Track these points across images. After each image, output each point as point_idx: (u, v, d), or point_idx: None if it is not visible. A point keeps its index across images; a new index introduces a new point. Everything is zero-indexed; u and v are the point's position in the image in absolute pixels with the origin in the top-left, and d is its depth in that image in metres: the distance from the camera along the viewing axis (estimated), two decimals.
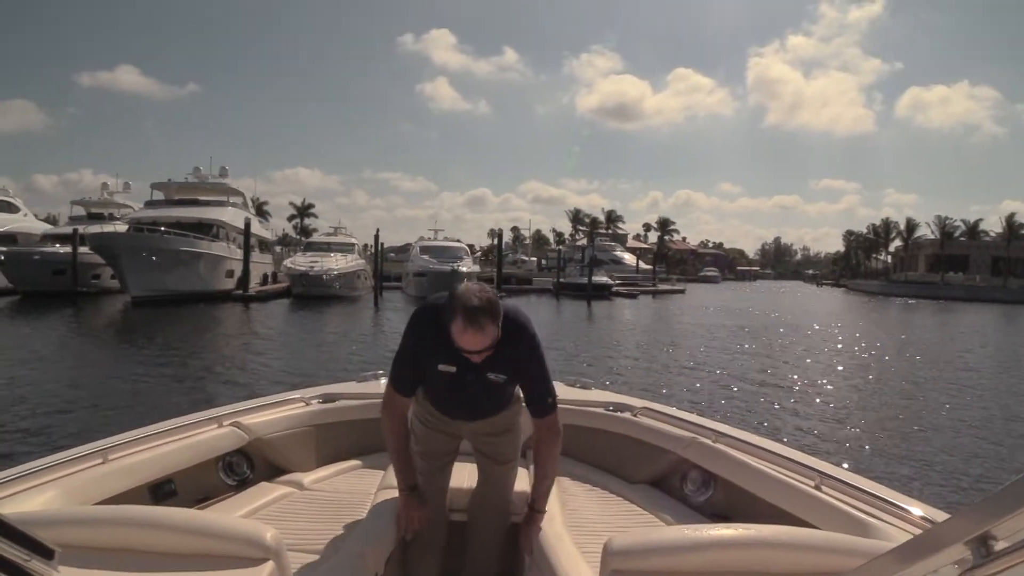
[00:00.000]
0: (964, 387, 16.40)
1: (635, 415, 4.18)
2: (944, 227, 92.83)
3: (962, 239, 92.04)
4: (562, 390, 4.34)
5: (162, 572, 1.81)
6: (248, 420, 3.77)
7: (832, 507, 2.78)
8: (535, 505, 3.08)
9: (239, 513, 3.20)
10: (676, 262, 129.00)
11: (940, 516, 2.53)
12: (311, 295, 38.68)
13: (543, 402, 2.98)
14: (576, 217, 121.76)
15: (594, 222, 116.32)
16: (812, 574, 1.90)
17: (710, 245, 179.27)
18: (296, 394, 4.34)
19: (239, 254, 38.37)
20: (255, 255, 42.31)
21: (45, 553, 1.53)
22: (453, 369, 2.84)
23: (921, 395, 15.12)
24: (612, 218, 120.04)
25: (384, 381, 4.66)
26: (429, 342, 2.83)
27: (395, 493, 3.30)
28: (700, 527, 2.01)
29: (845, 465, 3.04)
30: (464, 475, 3.47)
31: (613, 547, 1.90)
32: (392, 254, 69.05)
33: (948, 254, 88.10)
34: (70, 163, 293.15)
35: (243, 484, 3.66)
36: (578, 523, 3.36)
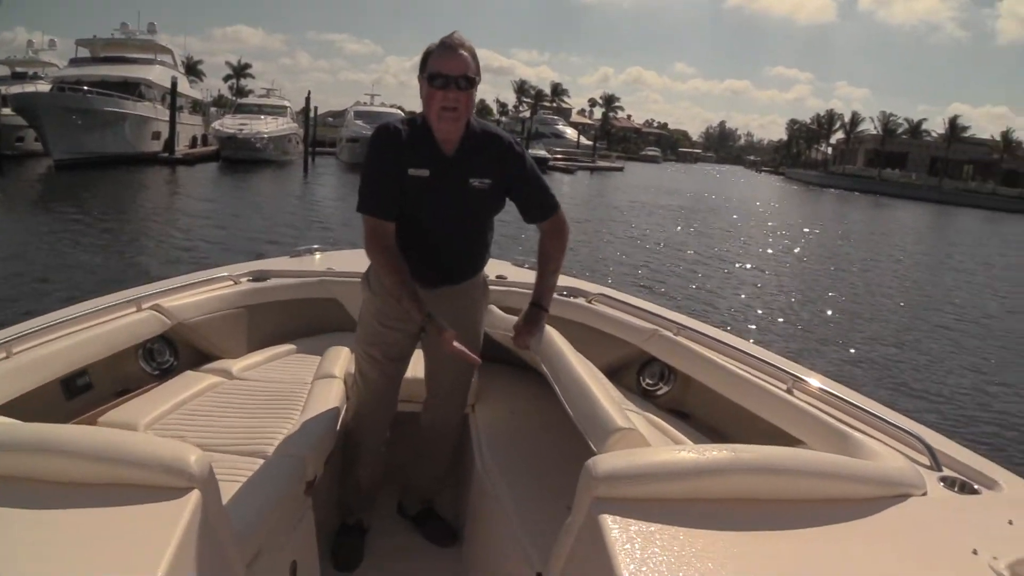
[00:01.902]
0: (875, 281, 17.38)
1: (590, 301, 3.85)
2: (887, 123, 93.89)
3: (904, 137, 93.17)
4: (511, 271, 4.25)
5: (56, 508, 1.47)
6: (170, 302, 3.41)
7: (805, 413, 2.54)
8: (540, 302, 2.79)
9: (162, 408, 2.93)
10: (619, 140, 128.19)
11: (924, 432, 2.34)
12: (240, 159, 37.64)
13: (546, 201, 2.75)
14: (521, 88, 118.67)
15: (539, 94, 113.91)
16: (821, 499, 1.69)
17: (655, 125, 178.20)
18: (223, 272, 3.95)
19: (166, 115, 36.93)
20: (184, 117, 40.83)
21: None
22: (426, 173, 2.54)
23: (843, 286, 16.17)
24: (557, 91, 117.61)
25: (319, 256, 4.62)
26: (395, 147, 2.55)
27: (334, 383, 3.21)
28: (695, 448, 1.73)
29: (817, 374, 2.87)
30: (415, 361, 3.04)
31: (599, 471, 1.57)
32: (331, 119, 67.31)
33: (888, 150, 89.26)
34: (3, 20, 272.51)
35: (166, 373, 3.37)
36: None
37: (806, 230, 29.23)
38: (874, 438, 2.26)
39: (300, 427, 2.74)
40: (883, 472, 1.81)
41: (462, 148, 2.58)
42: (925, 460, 2.14)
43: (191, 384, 3.23)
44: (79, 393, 2.92)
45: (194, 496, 1.53)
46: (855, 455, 2.02)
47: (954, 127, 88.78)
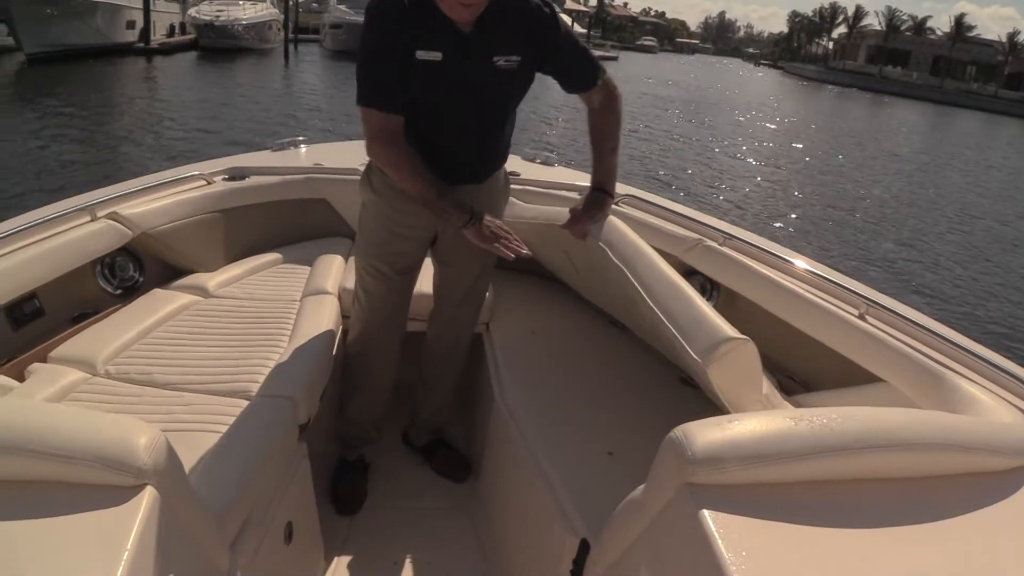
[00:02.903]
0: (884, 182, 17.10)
1: (617, 203, 3.27)
2: (892, 19, 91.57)
3: (908, 34, 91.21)
4: (519, 165, 3.76)
5: None
6: (131, 209, 2.89)
7: (885, 345, 2.16)
8: (604, 186, 2.42)
9: (126, 336, 2.52)
10: (615, 28, 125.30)
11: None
12: (218, 47, 36.11)
13: (590, 67, 2.32)
14: None
15: None
16: (963, 473, 1.43)
17: (652, 14, 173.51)
18: (193, 170, 3.42)
19: (140, 3, 35.10)
20: (160, 4, 38.53)
21: None
22: (439, 56, 2.08)
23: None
24: None
25: (304, 149, 4.05)
26: (398, 24, 2.05)
27: (327, 300, 2.85)
28: (806, 413, 1.37)
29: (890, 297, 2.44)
30: (423, 275, 2.70)
31: (696, 450, 1.23)
32: (316, 4, 64.81)
33: (890, 47, 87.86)
34: None
35: (131, 292, 2.91)
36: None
37: (804, 138, 28.70)
38: (964, 376, 1.96)
39: (290, 357, 2.37)
40: (1018, 436, 1.53)
41: (482, 21, 2.09)
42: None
43: (160, 305, 2.79)
44: (27, 322, 2.48)
45: (147, 494, 1.21)
46: (952, 400, 1.79)
47: (959, 26, 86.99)
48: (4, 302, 2.34)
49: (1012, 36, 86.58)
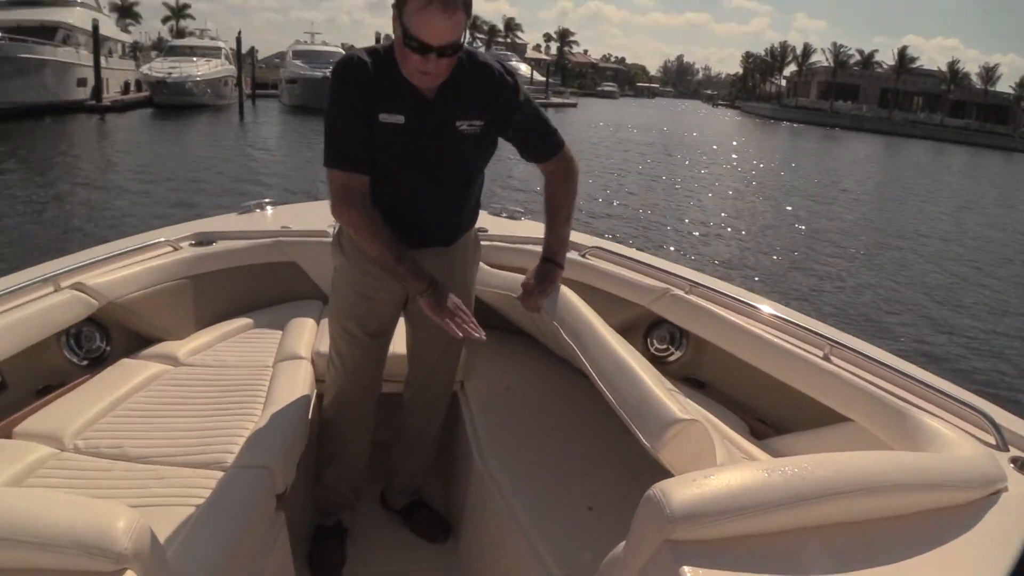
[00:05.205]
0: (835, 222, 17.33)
1: (584, 255, 3.36)
2: (839, 55, 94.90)
3: (856, 68, 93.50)
4: (492, 223, 3.78)
5: None
6: (96, 278, 2.82)
7: (849, 384, 2.20)
8: (555, 257, 2.38)
9: (94, 408, 2.45)
10: (576, 76, 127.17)
11: (987, 406, 2.07)
12: (173, 104, 36.29)
13: (549, 138, 2.35)
14: (474, 24, 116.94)
15: (492, 30, 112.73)
16: (926, 510, 1.46)
17: (613, 60, 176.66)
18: (159, 236, 3.37)
19: (91, 60, 35.30)
20: (114, 62, 39.12)
21: None
22: (400, 119, 2.12)
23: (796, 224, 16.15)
24: (511, 26, 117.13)
25: (271, 211, 4.00)
26: (361, 88, 2.10)
27: (301, 365, 2.83)
28: (778, 463, 1.42)
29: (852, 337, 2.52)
30: (398, 336, 2.67)
31: (674, 508, 1.24)
32: (277, 60, 65.53)
33: (840, 82, 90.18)
34: None
35: (98, 362, 2.85)
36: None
37: (763, 166, 29.20)
38: (926, 410, 2.00)
39: (265, 424, 2.33)
40: (979, 470, 1.57)
41: (445, 86, 2.12)
42: (991, 439, 1.91)
43: (129, 375, 2.72)
44: None
45: None
46: (916, 436, 1.82)
47: (903, 58, 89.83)
48: None
49: (952, 65, 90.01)
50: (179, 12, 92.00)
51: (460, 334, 2.06)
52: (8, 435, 2.33)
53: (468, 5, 1.99)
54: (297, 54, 43.82)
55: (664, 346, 3.16)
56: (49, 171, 18.31)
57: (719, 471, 1.36)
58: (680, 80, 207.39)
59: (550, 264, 2.37)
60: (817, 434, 2.32)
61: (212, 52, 42.71)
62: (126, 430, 2.36)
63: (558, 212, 2.40)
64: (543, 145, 2.36)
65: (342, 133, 2.13)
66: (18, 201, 13.91)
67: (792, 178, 25.22)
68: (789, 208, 18.89)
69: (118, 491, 2.01)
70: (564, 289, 2.36)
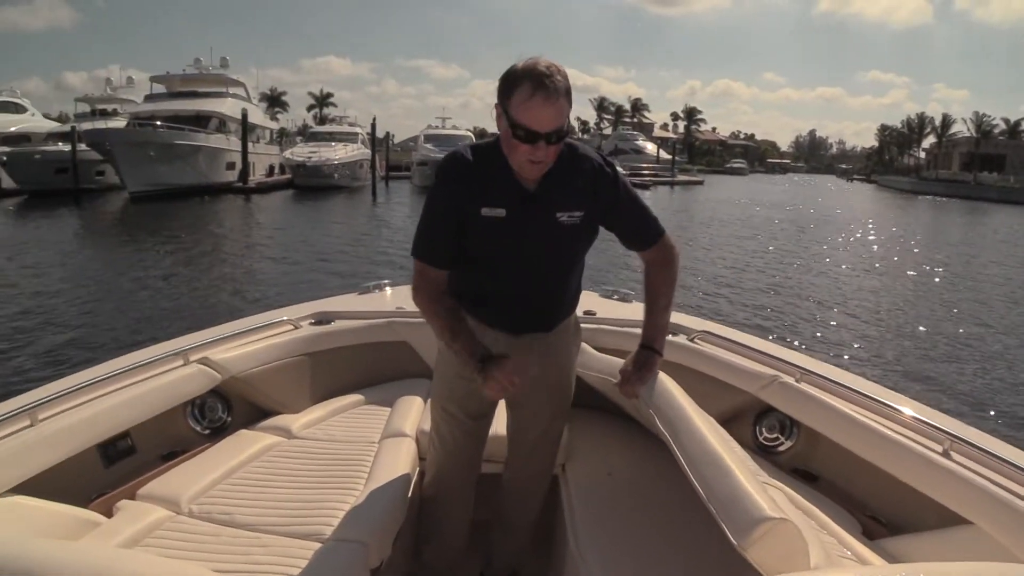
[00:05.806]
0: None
1: (693, 339, 3.36)
2: (981, 124, 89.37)
3: (1001, 138, 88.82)
4: (599, 305, 3.84)
5: None
6: (221, 354, 3.08)
7: (970, 484, 2.09)
8: (653, 344, 2.41)
9: (211, 476, 2.64)
10: (703, 153, 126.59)
11: None
12: (311, 186, 38.84)
13: (649, 227, 2.38)
14: (601, 106, 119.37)
15: (619, 111, 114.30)
16: None
17: (742, 136, 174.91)
18: (282, 315, 3.61)
19: (239, 146, 38.24)
20: (261, 147, 42.61)
21: None
22: (502, 212, 2.18)
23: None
24: (637, 107, 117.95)
25: (390, 292, 4.24)
26: (464, 184, 2.18)
27: (404, 443, 2.93)
28: (887, 572, 1.38)
29: (975, 429, 2.36)
30: (498, 415, 2.69)
31: None
32: (412, 143, 68.60)
33: (983, 153, 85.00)
34: (99, 59, 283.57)
35: (219, 431, 3.08)
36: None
37: (903, 243, 27.84)
38: None
39: (365, 499, 2.44)
40: None
41: (546, 178, 2.20)
42: None
43: (245, 445, 2.93)
44: (119, 459, 2.64)
45: None
46: None
47: None
48: (99, 441, 2.50)
49: None
50: (323, 101, 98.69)
51: (495, 396, 2.21)
52: (132, 496, 2.52)
53: (568, 94, 2.06)
54: (428, 138, 45.92)
55: (774, 435, 3.06)
56: (195, 247, 19.48)
57: (829, 572, 1.30)
58: (813, 155, 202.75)
59: (648, 351, 2.40)
60: (935, 536, 2.20)
61: (350, 137, 45.42)
62: (237, 498, 2.51)
63: (657, 299, 2.43)
64: (643, 234, 2.39)
65: (431, 228, 2.24)
66: (159, 272, 15.08)
67: (936, 252, 23.80)
68: (933, 282, 17.67)
69: (223, 556, 2.13)
70: (662, 376, 2.35)
